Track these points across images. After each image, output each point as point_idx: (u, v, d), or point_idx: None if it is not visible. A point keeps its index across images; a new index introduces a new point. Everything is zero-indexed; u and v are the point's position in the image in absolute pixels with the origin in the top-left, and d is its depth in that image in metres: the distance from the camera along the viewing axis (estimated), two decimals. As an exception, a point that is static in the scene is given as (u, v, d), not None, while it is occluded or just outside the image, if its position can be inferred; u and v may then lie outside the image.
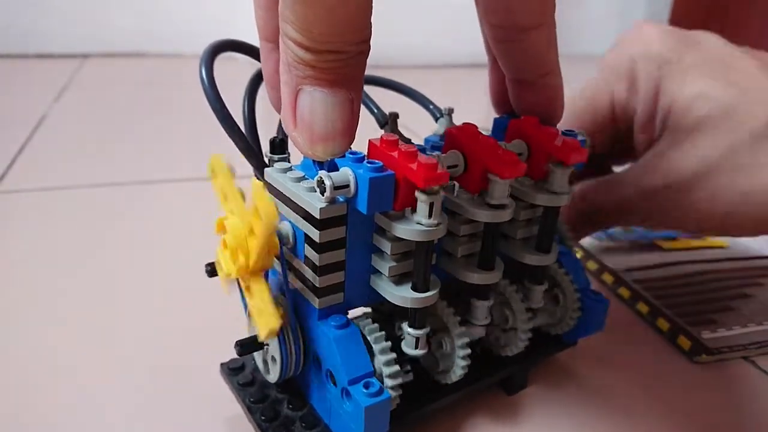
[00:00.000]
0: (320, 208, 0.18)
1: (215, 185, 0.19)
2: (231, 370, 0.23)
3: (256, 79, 0.23)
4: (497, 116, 0.26)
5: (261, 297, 0.18)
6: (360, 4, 0.16)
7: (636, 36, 0.28)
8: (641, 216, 0.28)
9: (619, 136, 0.29)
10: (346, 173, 0.17)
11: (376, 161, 0.18)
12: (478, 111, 0.73)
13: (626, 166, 0.30)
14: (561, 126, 0.24)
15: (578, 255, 0.39)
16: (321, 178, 0.17)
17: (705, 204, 0.25)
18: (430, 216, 0.18)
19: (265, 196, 0.17)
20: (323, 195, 0.17)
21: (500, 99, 0.26)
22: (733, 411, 0.26)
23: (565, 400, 0.26)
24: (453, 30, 0.89)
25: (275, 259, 0.20)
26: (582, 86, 0.30)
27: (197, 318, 0.30)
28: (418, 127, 0.29)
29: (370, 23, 0.17)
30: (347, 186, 0.17)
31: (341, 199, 0.18)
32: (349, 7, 0.16)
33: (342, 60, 0.17)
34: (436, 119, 0.27)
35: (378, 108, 0.26)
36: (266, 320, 0.17)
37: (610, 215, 0.29)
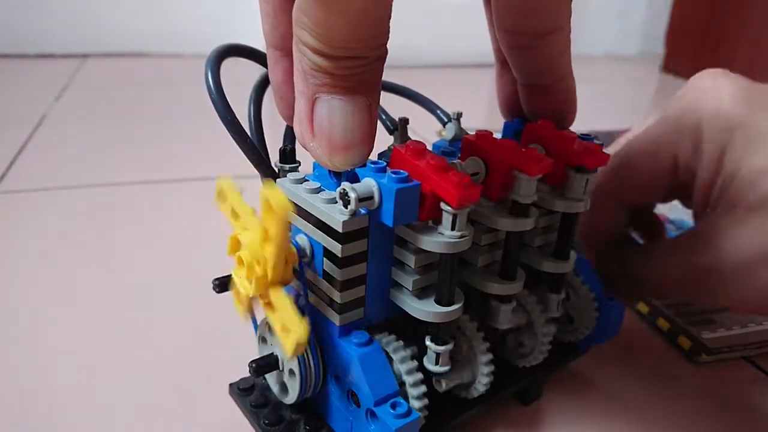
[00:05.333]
0: (343, 222, 0.17)
1: (224, 208, 0.18)
2: (241, 391, 0.22)
3: (262, 86, 0.22)
4: (507, 121, 0.25)
5: (284, 310, 0.17)
6: (384, 6, 0.15)
7: (706, 89, 0.25)
8: (692, 293, 0.25)
9: (678, 192, 0.27)
10: (369, 184, 0.17)
11: (401, 171, 0.17)
12: (478, 112, 0.72)
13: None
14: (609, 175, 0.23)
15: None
16: (344, 189, 0.16)
17: (764, 291, 0.22)
18: (453, 228, 0.17)
19: (275, 190, 0.16)
20: (347, 207, 0.16)
21: (510, 104, 0.25)
22: (733, 411, 0.27)
23: (576, 406, 0.26)
24: (453, 30, 0.89)
25: (293, 274, 0.19)
26: (640, 136, 0.27)
27: (199, 325, 0.29)
28: (422, 131, 0.28)
29: (389, 27, 0.16)
30: (371, 198, 0.17)
31: (363, 211, 0.17)
32: (375, 10, 0.15)
33: (361, 66, 0.16)
34: (444, 124, 0.26)
35: (386, 113, 0.25)
36: (294, 334, 0.16)
37: (659, 288, 0.26)
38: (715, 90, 0.25)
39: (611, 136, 0.29)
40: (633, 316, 0.33)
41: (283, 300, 0.17)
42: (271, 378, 0.21)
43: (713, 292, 0.24)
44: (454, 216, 0.17)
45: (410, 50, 0.93)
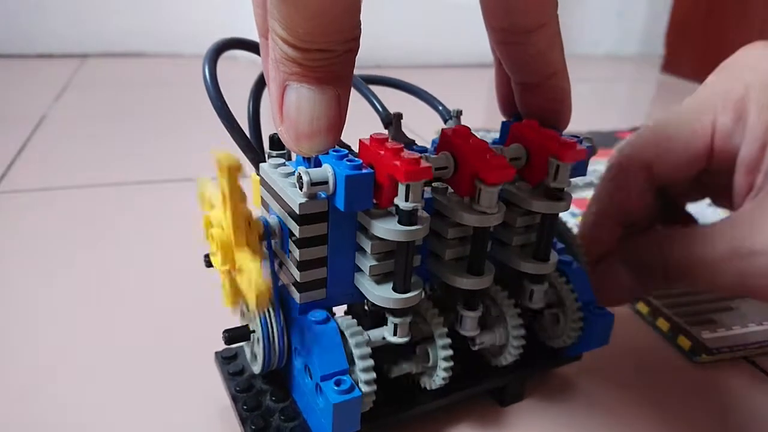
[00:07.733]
0: (299, 204, 0.18)
1: (205, 207, 0.19)
2: (224, 359, 0.24)
3: (262, 80, 0.24)
4: (504, 120, 0.25)
5: (247, 268, 0.17)
6: (346, 5, 0.16)
7: (753, 59, 0.24)
8: (730, 280, 0.23)
9: (712, 173, 0.25)
10: (325, 170, 0.18)
11: (356, 159, 0.18)
12: (478, 112, 0.71)
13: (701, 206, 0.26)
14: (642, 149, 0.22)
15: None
16: (299, 173, 0.17)
17: None
18: (407, 199, 0.17)
19: (224, 151, 0.17)
20: (301, 190, 0.18)
21: (507, 102, 0.25)
22: (733, 411, 0.26)
23: (560, 405, 0.25)
24: (453, 30, 0.89)
25: (262, 248, 0.20)
26: (677, 107, 0.25)
27: (195, 314, 0.30)
28: (422, 128, 0.28)
29: (359, 22, 0.17)
30: (326, 182, 0.18)
31: (323, 196, 0.18)
32: (335, 9, 0.16)
33: (329, 58, 0.17)
34: (445, 121, 0.26)
35: (384, 108, 0.26)
36: (254, 288, 0.17)
37: (687, 274, 0.24)
38: (761, 59, 0.23)
39: (611, 136, 0.28)
40: (633, 316, 0.32)
41: (247, 260, 0.18)
42: (248, 348, 0.23)
43: (758, 279, 0.22)
44: (406, 187, 0.17)
45: (410, 50, 0.94)
